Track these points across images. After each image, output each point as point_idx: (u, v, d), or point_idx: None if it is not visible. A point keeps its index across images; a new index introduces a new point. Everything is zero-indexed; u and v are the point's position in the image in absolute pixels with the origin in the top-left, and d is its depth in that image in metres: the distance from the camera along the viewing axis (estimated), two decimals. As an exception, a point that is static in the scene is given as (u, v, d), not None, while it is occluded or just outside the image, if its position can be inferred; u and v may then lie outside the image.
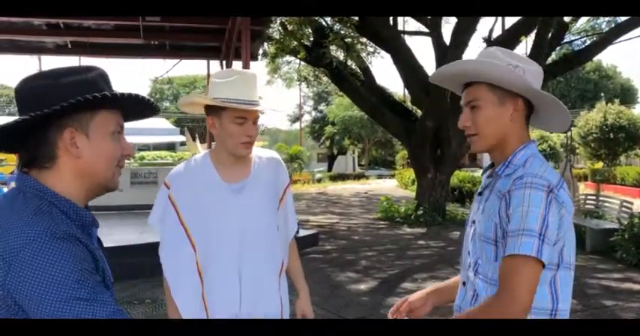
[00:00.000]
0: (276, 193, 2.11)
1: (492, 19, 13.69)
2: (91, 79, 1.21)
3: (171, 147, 33.99)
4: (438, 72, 1.70)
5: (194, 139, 13.47)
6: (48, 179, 1.18)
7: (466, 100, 1.61)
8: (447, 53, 10.92)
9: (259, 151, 2.14)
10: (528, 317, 1.47)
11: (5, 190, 17.51)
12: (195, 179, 2.01)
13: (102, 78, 1.24)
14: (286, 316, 2.10)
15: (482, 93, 1.58)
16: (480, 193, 1.68)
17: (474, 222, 1.66)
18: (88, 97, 1.14)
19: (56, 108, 1.12)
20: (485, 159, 52.17)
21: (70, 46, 11.85)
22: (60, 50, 12.20)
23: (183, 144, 33.80)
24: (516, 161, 1.57)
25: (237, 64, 11.19)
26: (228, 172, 2.02)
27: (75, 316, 1.04)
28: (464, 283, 1.66)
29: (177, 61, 13.44)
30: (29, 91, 1.19)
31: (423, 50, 15.67)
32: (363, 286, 6.35)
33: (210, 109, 1.97)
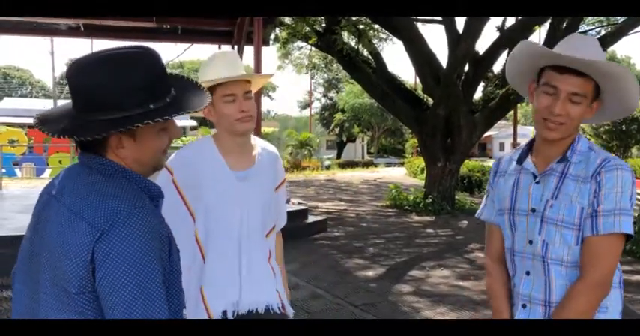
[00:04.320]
0: (272, 188, 2.16)
1: (507, 7, 13.50)
2: (153, 78, 1.23)
3: (181, 131, 34.03)
4: (572, 58, 1.54)
5: None
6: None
7: (570, 89, 1.57)
8: (460, 41, 10.83)
9: (262, 144, 2.18)
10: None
11: (18, 171, 17.60)
12: (201, 165, 2.02)
13: (160, 68, 1.26)
14: (286, 301, 2.13)
15: (589, 90, 1.59)
16: (538, 182, 1.67)
17: (533, 210, 1.66)
18: (150, 122, 1.18)
19: (121, 130, 1.18)
20: (495, 149, 51.89)
21: (82, 28, 11.86)
22: (72, 32, 12.23)
23: (193, 128, 33.89)
24: (580, 148, 1.64)
25: (249, 49, 11.18)
26: (233, 159, 2.04)
27: (129, 301, 1.12)
28: (527, 273, 1.69)
29: (188, 45, 13.43)
30: (88, 88, 1.20)
31: (436, 38, 15.56)
32: (370, 273, 6.38)
33: None
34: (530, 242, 1.67)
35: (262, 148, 2.15)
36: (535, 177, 1.68)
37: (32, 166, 17.34)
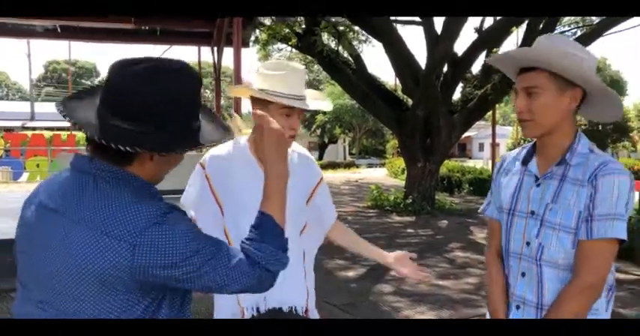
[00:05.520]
0: (307, 188, 2.15)
1: (484, 9, 13.65)
2: (195, 98, 1.24)
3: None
4: (501, 55, 1.69)
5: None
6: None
7: (523, 85, 1.62)
8: (438, 42, 10.93)
9: (293, 146, 2.17)
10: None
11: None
12: (234, 164, 2.03)
13: (198, 87, 1.26)
14: (312, 306, 2.12)
15: (542, 80, 1.58)
16: (539, 184, 1.67)
17: (532, 213, 1.66)
18: (186, 149, 1.20)
19: (175, 151, 1.19)
20: (475, 150, 52.28)
21: (59, 30, 11.73)
22: (49, 34, 12.07)
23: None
24: (580, 149, 1.63)
25: (228, 51, 11.14)
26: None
27: (212, 258, 1.19)
28: (523, 274, 1.69)
29: (167, 47, 13.34)
30: (136, 99, 1.16)
31: (415, 39, 15.68)
32: (351, 273, 6.41)
33: (258, 99, 1.96)
34: (528, 244, 1.67)
35: (294, 150, 2.15)
36: (537, 179, 1.68)
37: (9, 169, 17.08)
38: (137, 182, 1.20)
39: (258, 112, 1.62)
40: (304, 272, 2.11)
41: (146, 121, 1.16)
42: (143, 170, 1.22)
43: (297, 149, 2.18)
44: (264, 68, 2.00)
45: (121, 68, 1.18)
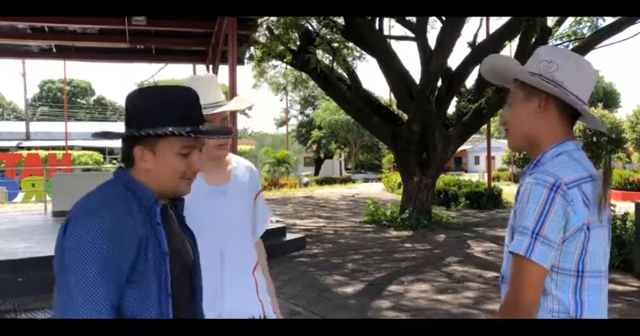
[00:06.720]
0: (251, 199, 2.23)
1: (477, 23, 13.83)
2: (175, 105, 1.42)
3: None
4: (481, 68, 1.69)
5: None
6: (132, 173, 1.45)
7: (507, 98, 1.63)
8: (432, 58, 11.01)
9: (238, 159, 2.26)
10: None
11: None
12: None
13: (190, 101, 1.45)
14: (269, 312, 2.17)
15: (514, 90, 1.57)
16: None
17: None
18: (150, 133, 1.38)
19: (126, 134, 1.41)
20: (470, 163, 52.42)
21: (54, 49, 11.78)
22: (45, 54, 12.15)
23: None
24: (544, 160, 1.51)
25: (223, 68, 11.20)
26: (210, 175, 2.10)
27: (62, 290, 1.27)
28: None
29: (162, 65, 13.41)
30: (130, 107, 1.45)
31: (409, 55, 15.77)
32: (349, 289, 6.38)
33: None
34: None
35: (237, 162, 2.22)
36: None
37: (4, 190, 17.02)
38: (125, 179, 1.43)
39: None
40: (255, 282, 2.15)
41: (137, 125, 1.41)
42: (146, 170, 1.42)
43: (242, 162, 2.27)
44: None
45: (130, 93, 1.47)
